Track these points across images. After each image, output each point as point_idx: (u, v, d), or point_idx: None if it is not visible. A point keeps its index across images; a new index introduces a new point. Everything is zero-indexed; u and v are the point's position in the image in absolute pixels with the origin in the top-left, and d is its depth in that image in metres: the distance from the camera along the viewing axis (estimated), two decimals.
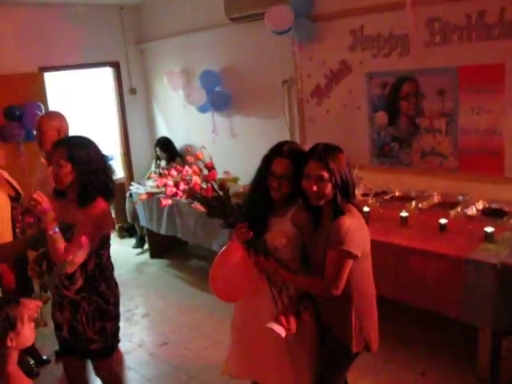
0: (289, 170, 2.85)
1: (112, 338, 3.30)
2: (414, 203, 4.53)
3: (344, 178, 2.72)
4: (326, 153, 2.74)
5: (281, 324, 2.80)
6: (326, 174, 2.69)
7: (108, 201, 3.17)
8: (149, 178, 7.21)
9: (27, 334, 2.43)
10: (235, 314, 3.25)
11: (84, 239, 2.89)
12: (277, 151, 2.91)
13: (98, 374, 3.46)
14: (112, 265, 3.35)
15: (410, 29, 4.62)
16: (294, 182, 2.86)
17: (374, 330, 2.91)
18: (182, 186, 2.73)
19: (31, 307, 2.74)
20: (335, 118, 5.53)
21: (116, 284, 3.38)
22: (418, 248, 3.92)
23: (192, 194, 2.84)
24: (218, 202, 2.91)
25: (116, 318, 3.34)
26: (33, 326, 2.48)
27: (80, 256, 2.95)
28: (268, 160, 2.93)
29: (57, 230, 2.93)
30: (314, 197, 2.74)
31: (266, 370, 3.06)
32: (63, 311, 3.19)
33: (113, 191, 3.24)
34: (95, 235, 3.04)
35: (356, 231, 2.70)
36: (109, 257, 3.29)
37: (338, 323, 2.84)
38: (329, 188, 2.70)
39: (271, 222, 2.96)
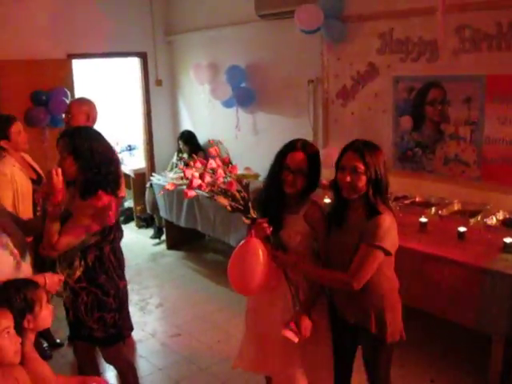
0: (303, 163, 2.88)
1: (113, 328, 3.26)
2: (434, 209, 4.52)
3: (379, 174, 2.72)
4: (364, 146, 2.76)
5: (293, 331, 2.84)
6: (361, 166, 2.69)
7: (112, 194, 3.13)
8: (171, 169, 7.26)
9: (45, 316, 2.46)
10: (248, 309, 3.28)
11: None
12: (290, 146, 2.95)
13: (105, 359, 3.50)
14: (117, 258, 3.30)
15: (438, 35, 4.60)
16: (308, 178, 2.90)
17: (401, 319, 2.95)
18: (207, 179, 2.73)
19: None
20: (359, 120, 5.52)
21: (120, 277, 3.34)
22: (435, 254, 3.90)
23: (216, 187, 2.84)
24: (241, 197, 2.91)
25: (117, 310, 3.28)
26: (51, 309, 2.52)
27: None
28: (282, 155, 2.96)
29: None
30: (347, 189, 2.74)
31: (278, 367, 3.09)
32: (68, 297, 3.23)
33: (117, 185, 3.21)
34: (92, 228, 3.04)
35: (393, 230, 2.75)
36: (112, 250, 3.25)
37: (372, 317, 2.84)
38: (363, 181, 2.70)
39: (285, 219, 2.98)
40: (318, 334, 2.97)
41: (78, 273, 3.10)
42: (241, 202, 2.80)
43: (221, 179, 2.78)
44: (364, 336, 2.93)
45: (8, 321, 2.22)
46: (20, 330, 2.32)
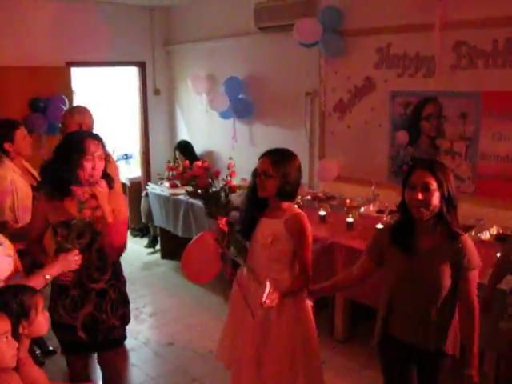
0: (267, 166, 3.02)
1: (127, 324, 3.37)
2: None
3: (451, 192, 2.61)
4: (434, 163, 2.67)
5: (271, 299, 2.82)
6: (433, 183, 2.56)
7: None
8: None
9: (40, 323, 2.47)
10: (229, 309, 3.46)
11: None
12: (262, 155, 3.13)
13: (109, 365, 3.40)
14: None
15: (435, 51, 4.66)
16: (280, 184, 3.00)
17: None
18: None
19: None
20: (356, 134, 5.56)
21: None
22: None
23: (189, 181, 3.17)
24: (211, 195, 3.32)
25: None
26: (47, 316, 2.52)
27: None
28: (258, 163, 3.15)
29: None
30: (419, 207, 2.59)
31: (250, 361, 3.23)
32: (83, 307, 3.10)
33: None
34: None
35: None
36: None
37: (451, 339, 2.78)
38: (436, 198, 2.57)
39: (264, 221, 3.14)
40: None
41: (110, 271, 3.15)
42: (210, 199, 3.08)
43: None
44: (437, 359, 2.80)
45: (6, 325, 2.23)
46: (16, 335, 2.33)
